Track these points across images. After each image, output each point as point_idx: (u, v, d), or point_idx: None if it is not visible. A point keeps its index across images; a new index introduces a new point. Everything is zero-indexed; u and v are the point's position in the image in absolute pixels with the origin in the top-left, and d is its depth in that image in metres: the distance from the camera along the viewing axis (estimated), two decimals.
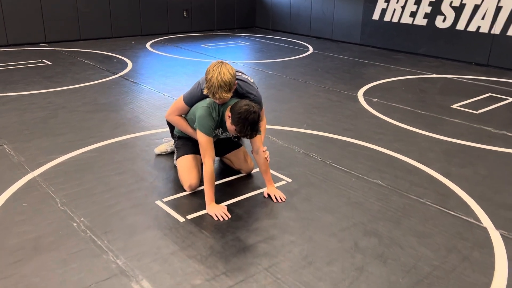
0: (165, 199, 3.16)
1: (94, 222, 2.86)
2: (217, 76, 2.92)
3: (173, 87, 6.04)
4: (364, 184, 3.46)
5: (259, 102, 3.30)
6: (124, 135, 4.28)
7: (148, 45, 9.05)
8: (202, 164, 3.31)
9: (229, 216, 2.96)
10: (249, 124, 2.89)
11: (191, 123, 3.31)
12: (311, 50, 9.02)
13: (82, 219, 2.89)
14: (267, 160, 3.27)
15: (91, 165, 3.64)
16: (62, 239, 2.69)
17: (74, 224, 2.84)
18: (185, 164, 3.31)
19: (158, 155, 3.88)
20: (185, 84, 6.20)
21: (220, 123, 3.15)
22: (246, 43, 9.67)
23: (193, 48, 8.87)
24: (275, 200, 3.18)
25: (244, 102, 2.96)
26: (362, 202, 3.19)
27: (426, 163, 3.86)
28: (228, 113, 3.00)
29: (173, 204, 3.10)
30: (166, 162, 3.76)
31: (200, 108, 3.10)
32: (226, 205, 3.09)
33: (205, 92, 3.03)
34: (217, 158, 3.73)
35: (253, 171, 3.60)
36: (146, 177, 3.48)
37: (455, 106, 5.53)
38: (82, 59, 7.54)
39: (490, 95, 6.03)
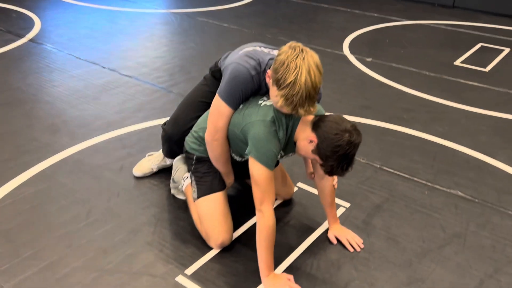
0: (188, 271, 1.99)
1: None
2: (306, 80, 1.68)
3: (111, 54, 4.52)
4: (444, 200, 2.55)
5: (319, 99, 2.16)
6: (72, 145, 2.89)
7: None
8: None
9: None
10: (347, 162, 1.79)
11: (233, 139, 2.00)
12: None
13: None
14: (335, 188, 2.20)
15: (39, 211, 2.29)
16: None
17: None
18: (213, 209, 2.10)
19: (140, 177, 2.61)
20: (127, 48, 4.71)
21: (286, 144, 1.95)
22: None
23: None
24: (351, 249, 2.15)
25: (344, 124, 1.78)
26: (463, 234, 2.29)
27: (489, 153, 3.03)
28: (311, 135, 1.83)
29: (206, 280, 1.95)
30: (158, 190, 2.51)
31: (258, 123, 1.84)
32: (284, 270, 2.01)
33: (278, 104, 1.75)
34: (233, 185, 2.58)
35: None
36: (139, 226, 2.24)
37: (458, 63, 4.76)
38: None
39: (482, 46, 5.36)
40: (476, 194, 2.61)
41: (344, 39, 5.36)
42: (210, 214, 2.09)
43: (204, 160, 2.16)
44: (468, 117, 3.55)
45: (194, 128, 2.20)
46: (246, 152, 1.86)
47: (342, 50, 4.96)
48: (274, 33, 5.47)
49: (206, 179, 2.14)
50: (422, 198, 2.56)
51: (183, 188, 2.34)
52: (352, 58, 4.73)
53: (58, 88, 3.70)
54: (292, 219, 2.34)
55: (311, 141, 1.82)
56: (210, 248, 2.11)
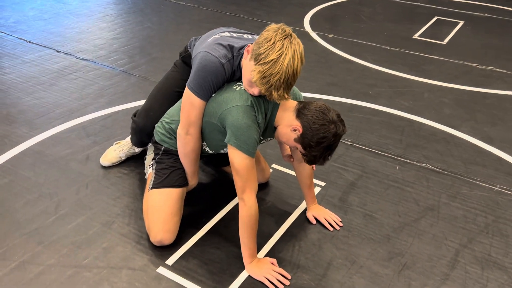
0: (169, 261, 1.94)
1: None
2: (289, 63, 1.60)
3: (64, 37, 4.29)
4: (415, 173, 2.61)
5: None
6: (31, 136, 2.74)
7: None
8: (180, 198, 2.04)
9: (289, 276, 1.89)
10: (330, 153, 1.77)
11: (210, 131, 1.91)
12: None
13: None
14: (313, 169, 2.19)
15: (3, 208, 2.16)
16: None
17: None
18: (162, 204, 1.97)
19: (108, 167, 2.50)
20: (81, 30, 4.48)
21: (265, 129, 1.88)
22: None
23: None
24: (330, 228, 2.17)
25: (330, 114, 1.73)
26: (436, 206, 2.35)
27: (453, 125, 3.12)
28: (295, 123, 1.77)
29: (188, 269, 1.90)
30: (129, 179, 2.42)
31: (237, 109, 1.75)
32: (266, 254, 2.00)
33: (253, 79, 1.65)
34: (206, 171, 2.53)
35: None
36: (112, 218, 2.15)
37: (416, 36, 4.85)
38: None
39: (438, 19, 5.47)
40: (445, 166, 2.68)
41: (305, 15, 5.33)
42: (158, 208, 1.98)
43: (171, 153, 2.05)
44: (431, 90, 3.63)
45: (165, 118, 2.08)
46: (225, 140, 1.78)
47: (303, 27, 4.93)
48: (233, 10, 5.36)
49: (167, 171, 2.02)
50: (394, 173, 2.60)
51: (146, 176, 2.21)
52: (314, 35, 4.72)
53: (10, 75, 3.48)
54: (269, 202, 2.32)
55: (294, 130, 1.76)
56: (190, 236, 2.06)
